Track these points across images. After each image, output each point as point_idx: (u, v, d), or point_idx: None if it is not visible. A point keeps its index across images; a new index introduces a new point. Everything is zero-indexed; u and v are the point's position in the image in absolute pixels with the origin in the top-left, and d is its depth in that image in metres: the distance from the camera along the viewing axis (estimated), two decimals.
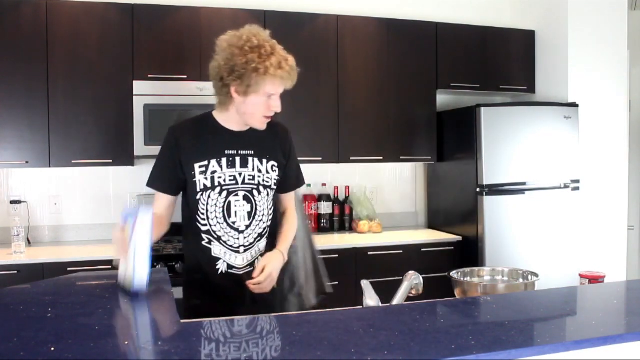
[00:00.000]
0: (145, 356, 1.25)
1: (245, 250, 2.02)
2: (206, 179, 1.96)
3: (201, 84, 3.51)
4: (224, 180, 1.97)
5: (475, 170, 3.76)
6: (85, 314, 1.54)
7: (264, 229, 2.06)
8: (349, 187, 4.20)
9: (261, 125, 1.99)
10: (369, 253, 3.65)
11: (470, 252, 3.79)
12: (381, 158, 4.01)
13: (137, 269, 1.66)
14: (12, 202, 3.52)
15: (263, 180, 2.03)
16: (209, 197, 1.97)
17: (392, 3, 4.26)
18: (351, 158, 3.93)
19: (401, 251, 3.72)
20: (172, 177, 1.99)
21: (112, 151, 3.48)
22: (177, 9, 3.58)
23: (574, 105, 3.94)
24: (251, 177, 2.01)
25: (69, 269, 3.02)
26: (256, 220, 2.03)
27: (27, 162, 3.36)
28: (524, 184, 3.77)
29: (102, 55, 3.45)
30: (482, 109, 3.71)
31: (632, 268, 4.61)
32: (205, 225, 1.99)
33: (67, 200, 3.76)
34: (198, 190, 1.97)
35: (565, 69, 4.07)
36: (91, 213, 3.79)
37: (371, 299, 1.68)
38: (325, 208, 4.08)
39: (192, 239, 2.02)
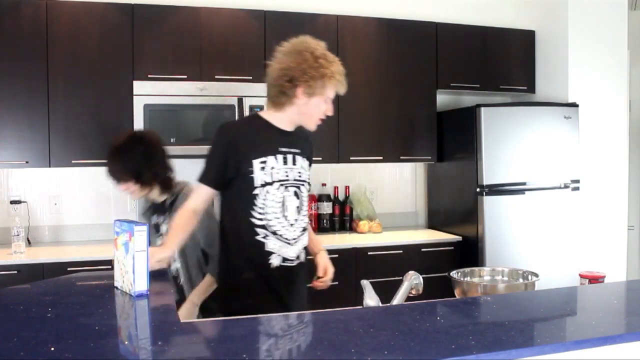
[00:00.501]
0: (144, 356, 1.25)
1: (295, 243, 2.09)
2: (265, 174, 2.02)
3: (201, 84, 3.51)
4: (280, 176, 2.05)
5: (475, 170, 3.76)
6: (85, 314, 1.54)
7: (307, 223, 2.16)
8: (349, 187, 4.20)
9: (314, 126, 2.11)
10: (369, 253, 3.65)
11: (470, 252, 3.79)
12: (381, 158, 4.00)
13: (136, 279, 1.67)
14: (12, 202, 3.52)
15: (307, 177, 2.15)
16: (267, 192, 2.02)
17: (392, 3, 4.26)
18: (351, 158, 3.92)
19: (401, 251, 3.71)
20: (221, 173, 2.04)
21: None
22: (177, 9, 3.58)
23: (574, 105, 3.94)
24: (299, 174, 2.11)
25: (69, 269, 3.01)
26: (302, 215, 2.12)
27: (27, 162, 3.36)
28: (524, 184, 3.77)
29: (102, 55, 3.44)
30: (482, 109, 3.71)
31: (632, 268, 4.61)
32: (262, 220, 2.03)
33: (67, 200, 3.75)
34: (256, 185, 2.01)
35: (565, 69, 4.07)
36: (91, 213, 3.78)
37: (371, 299, 1.68)
38: (325, 208, 4.08)
39: (243, 236, 2.05)
